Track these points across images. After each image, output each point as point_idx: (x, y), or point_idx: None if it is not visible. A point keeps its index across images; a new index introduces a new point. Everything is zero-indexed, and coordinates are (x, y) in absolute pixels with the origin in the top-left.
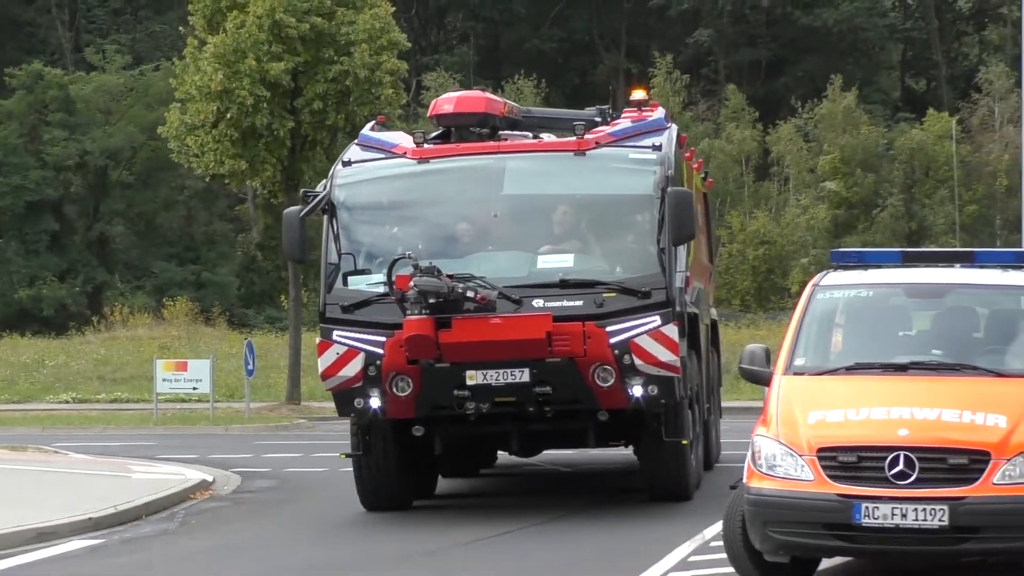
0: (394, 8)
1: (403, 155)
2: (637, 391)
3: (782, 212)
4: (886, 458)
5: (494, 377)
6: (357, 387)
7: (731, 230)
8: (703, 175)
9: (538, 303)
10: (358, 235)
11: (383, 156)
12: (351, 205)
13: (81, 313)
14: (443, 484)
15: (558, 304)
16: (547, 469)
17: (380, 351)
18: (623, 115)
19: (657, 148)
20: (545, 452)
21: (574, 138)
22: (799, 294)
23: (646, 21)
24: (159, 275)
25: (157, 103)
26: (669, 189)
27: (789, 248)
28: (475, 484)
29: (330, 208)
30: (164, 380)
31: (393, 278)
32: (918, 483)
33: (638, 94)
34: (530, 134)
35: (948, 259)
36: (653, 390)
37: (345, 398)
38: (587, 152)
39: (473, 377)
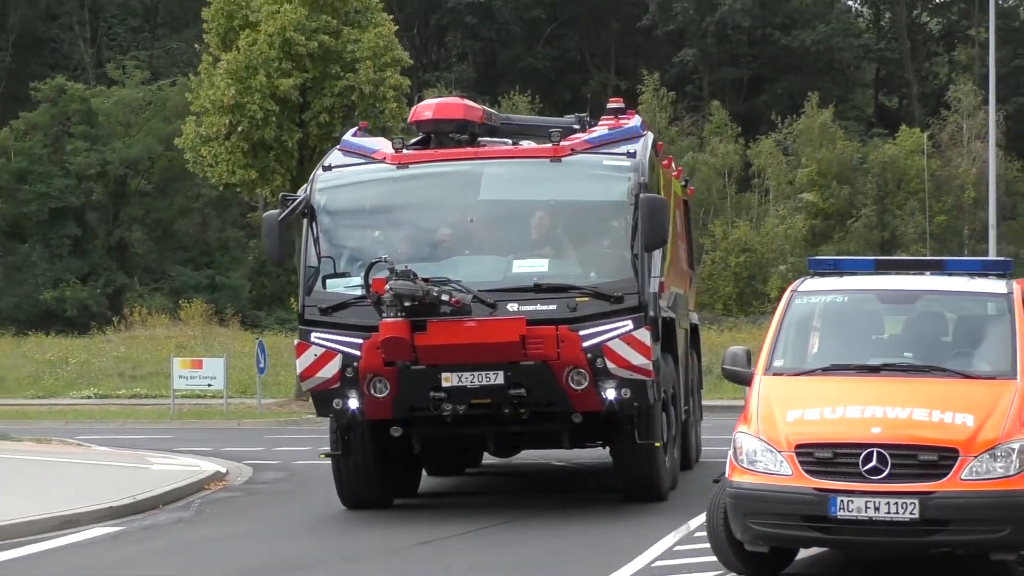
0: (397, 27)
1: (382, 160)
2: (610, 394)
3: (762, 222)
4: (860, 454)
5: (469, 379)
6: (335, 388)
7: (714, 238)
8: (684, 183)
9: (513, 307)
10: (337, 238)
11: (363, 161)
12: (330, 209)
13: (102, 314)
14: (431, 482)
15: (532, 308)
16: (537, 466)
17: (357, 353)
18: (600, 123)
19: (631, 155)
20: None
21: (550, 145)
22: (778, 299)
23: (634, 41)
24: (175, 278)
25: (174, 116)
26: (642, 195)
27: (769, 256)
28: (462, 482)
29: (310, 212)
30: (180, 377)
31: (370, 281)
32: (890, 478)
33: (615, 102)
34: (510, 141)
35: (919, 267)
36: (626, 393)
37: (323, 399)
38: (563, 158)
39: (448, 379)
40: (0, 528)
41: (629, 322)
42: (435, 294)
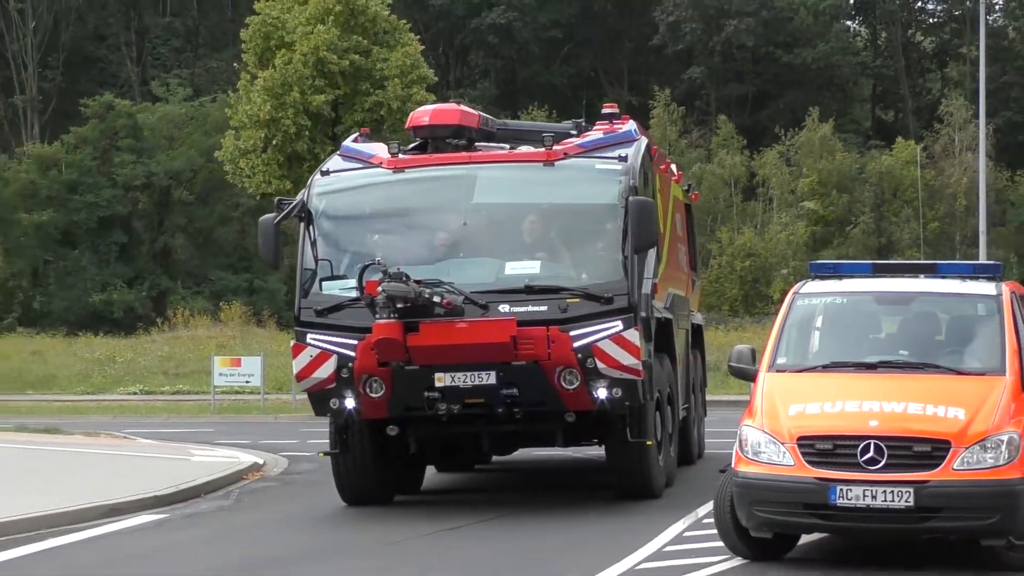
0: (423, 47)
1: (379, 165)
2: (601, 393)
3: (766, 228)
4: (858, 446)
5: (462, 379)
6: (331, 388)
7: (721, 244)
8: (687, 188)
9: (504, 308)
10: (333, 241)
11: (361, 166)
12: (327, 212)
13: (147, 315)
14: (441, 478)
15: (523, 309)
16: (546, 461)
17: (352, 354)
18: (595, 127)
19: (623, 159)
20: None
21: (543, 149)
22: (781, 301)
23: (646, 59)
24: (216, 282)
25: (214, 130)
26: (631, 198)
27: (772, 260)
28: (468, 478)
29: (307, 215)
30: (220, 374)
31: (363, 283)
32: (886, 468)
33: (609, 108)
34: (508, 146)
35: (913, 270)
36: (617, 392)
37: (320, 399)
38: (555, 163)
39: (442, 379)
40: (51, 516)
41: (619, 323)
42: (427, 295)
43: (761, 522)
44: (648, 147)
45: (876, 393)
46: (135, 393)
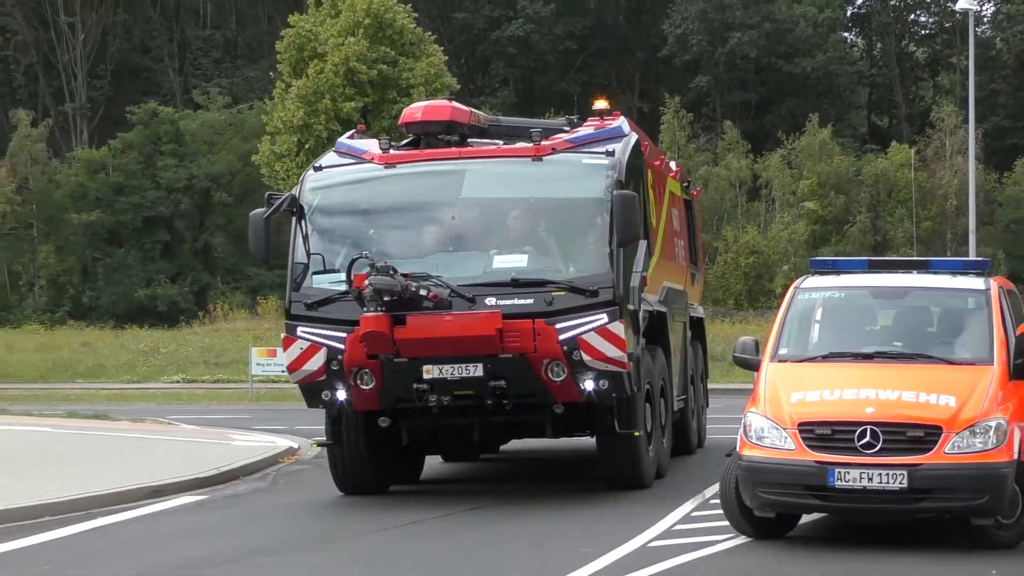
0: (447, 58)
1: (370, 160)
2: (588, 385)
3: (769, 227)
4: (855, 431)
5: (449, 372)
6: (322, 380)
7: (727, 242)
8: (686, 184)
9: (490, 301)
10: (324, 236)
11: (353, 161)
12: (318, 207)
13: (189, 309)
14: (450, 467)
15: (509, 302)
16: (552, 450)
17: (341, 346)
18: (586, 123)
19: (610, 154)
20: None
21: (532, 144)
22: (783, 295)
23: (655, 68)
24: (253, 278)
25: (251, 136)
26: (615, 192)
27: (774, 257)
28: (476, 467)
29: (299, 210)
30: (258, 364)
31: (351, 277)
32: (882, 452)
33: (600, 101)
34: (500, 142)
35: (907, 266)
36: (604, 384)
37: (311, 391)
38: (544, 157)
39: (430, 371)
40: (100, 496)
41: (604, 315)
42: (414, 289)
43: (764, 503)
44: (639, 143)
45: (872, 381)
46: (178, 382)
